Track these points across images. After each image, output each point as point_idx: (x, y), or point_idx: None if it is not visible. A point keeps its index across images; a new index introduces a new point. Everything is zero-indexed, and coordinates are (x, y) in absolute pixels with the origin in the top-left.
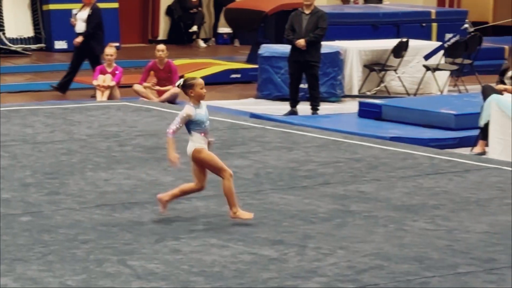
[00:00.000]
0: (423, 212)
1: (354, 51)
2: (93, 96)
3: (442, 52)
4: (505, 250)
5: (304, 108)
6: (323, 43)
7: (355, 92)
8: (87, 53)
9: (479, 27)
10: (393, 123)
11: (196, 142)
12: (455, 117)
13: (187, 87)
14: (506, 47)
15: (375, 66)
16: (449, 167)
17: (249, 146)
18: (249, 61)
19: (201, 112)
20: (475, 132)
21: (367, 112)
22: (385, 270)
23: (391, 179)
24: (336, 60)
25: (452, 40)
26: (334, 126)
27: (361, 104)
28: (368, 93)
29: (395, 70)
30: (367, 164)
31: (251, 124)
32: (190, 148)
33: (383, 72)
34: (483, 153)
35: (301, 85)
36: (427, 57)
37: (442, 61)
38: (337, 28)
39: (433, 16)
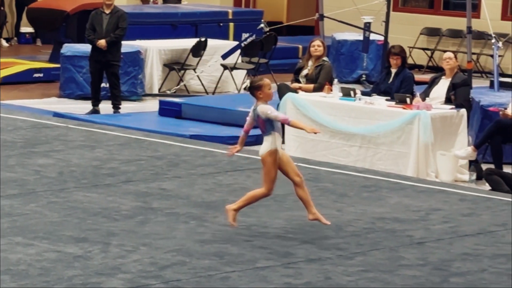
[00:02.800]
0: (223, 209)
1: (154, 51)
2: None
3: (239, 51)
4: (301, 244)
5: (106, 106)
6: (123, 42)
7: (156, 91)
8: None
9: (274, 27)
10: (192, 121)
11: (273, 143)
12: None
13: (255, 88)
14: (300, 46)
15: (175, 65)
16: (248, 164)
17: (53, 145)
18: (51, 60)
19: None
20: None
21: (168, 110)
22: (187, 266)
23: (191, 176)
24: (136, 59)
25: (249, 40)
26: (135, 124)
27: (161, 103)
28: (168, 92)
29: (194, 69)
30: (168, 162)
31: (54, 123)
32: (265, 148)
33: (182, 71)
34: None
35: (103, 84)
36: (224, 56)
37: (239, 60)
38: (137, 27)
39: (230, 16)
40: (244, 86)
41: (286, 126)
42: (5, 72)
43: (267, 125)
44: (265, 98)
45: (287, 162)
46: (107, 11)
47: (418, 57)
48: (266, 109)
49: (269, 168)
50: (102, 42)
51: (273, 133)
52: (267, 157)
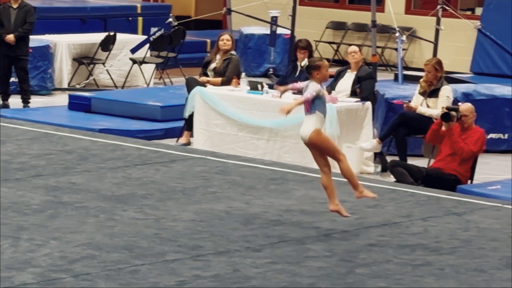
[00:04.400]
0: (132, 202)
1: (64, 45)
2: None
3: (147, 45)
4: (210, 237)
5: (15, 101)
6: (33, 37)
7: (65, 85)
8: None
9: (182, 21)
10: (102, 115)
11: (317, 123)
12: (161, 109)
13: (313, 68)
14: (208, 40)
15: (84, 60)
16: (156, 157)
17: None
18: None
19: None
20: (181, 124)
21: (77, 105)
22: (97, 259)
23: (101, 170)
24: (46, 54)
25: (157, 34)
26: (45, 119)
27: (71, 97)
28: (78, 86)
29: (103, 64)
30: (78, 156)
31: None
32: (308, 129)
33: (91, 66)
34: (188, 143)
35: (12, 79)
36: (133, 50)
37: (148, 54)
38: (46, 22)
39: (139, 11)
40: (303, 64)
41: (195, 120)
42: None
43: (313, 104)
44: (321, 78)
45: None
46: (15, 6)
47: (324, 51)
48: (316, 88)
49: (326, 144)
50: (10, 37)
51: (317, 113)
52: (316, 137)
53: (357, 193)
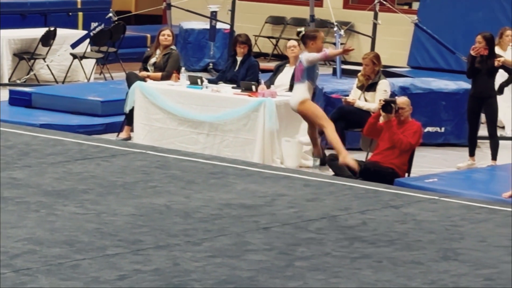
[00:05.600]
0: (73, 197)
1: (4, 40)
2: None
3: (88, 40)
4: (150, 231)
5: None
6: None
7: (6, 81)
8: None
9: (122, 16)
10: (43, 111)
11: (305, 92)
12: (102, 103)
13: (309, 37)
14: (148, 35)
15: (25, 55)
16: (97, 152)
17: None
18: None
19: None
20: (121, 118)
21: (18, 100)
22: (38, 254)
23: (42, 165)
24: None
25: (97, 29)
26: None
27: (11, 92)
28: (18, 81)
29: (44, 59)
30: (19, 151)
31: None
32: (297, 97)
33: (32, 61)
34: (129, 138)
35: None
36: (74, 45)
37: (89, 49)
38: None
39: (79, 6)
40: (299, 31)
41: (135, 114)
42: None
43: (304, 73)
44: (315, 49)
45: None
46: None
47: (264, 46)
48: (310, 55)
49: (313, 112)
50: None
51: (307, 82)
52: (303, 106)
53: (340, 159)
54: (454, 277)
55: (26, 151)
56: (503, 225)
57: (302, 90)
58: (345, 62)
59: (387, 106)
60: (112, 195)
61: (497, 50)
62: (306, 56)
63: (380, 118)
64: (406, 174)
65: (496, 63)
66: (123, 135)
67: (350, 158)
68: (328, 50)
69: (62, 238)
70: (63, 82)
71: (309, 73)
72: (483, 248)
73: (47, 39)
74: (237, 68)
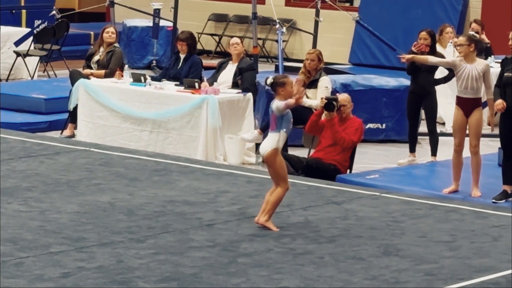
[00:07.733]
0: (17, 195)
1: None
2: None
3: (31, 38)
4: (94, 228)
5: None
6: None
7: None
8: None
9: (66, 13)
10: None
11: (278, 142)
12: (45, 101)
13: (278, 85)
14: (92, 33)
15: None
16: (41, 150)
17: None
18: None
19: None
20: (65, 116)
21: None
22: None
23: None
24: None
25: (41, 27)
26: None
27: None
28: None
29: None
30: None
31: None
32: (268, 146)
33: None
34: (73, 135)
35: None
36: (17, 43)
37: (32, 47)
38: None
39: (23, 3)
40: (268, 82)
41: (79, 112)
42: None
43: (278, 122)
44: (285, 95)
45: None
46: None
47: (207, 43)
48: (277, 104)
49: (278, 168)
50: None
51: (282, 132)
52: (272, 157)
53: (262, 219)
54: (395, 272)
55: None
56: (443, 221)
57: (275, 140)
58: (287, 59)
59: (329, 104)
60: (56, 192)
61: (437, 47)
62: (275, 105)
63: (322, 116)
64: (348, 171)
65: (403, 60)
66: (67, 132)
67: (271, 224)
68: (290, 100)
69: (5, 235)
70: (6, 80)
71: (284, 121)
72: (423, 243)
73: None
74: (180, 65)
